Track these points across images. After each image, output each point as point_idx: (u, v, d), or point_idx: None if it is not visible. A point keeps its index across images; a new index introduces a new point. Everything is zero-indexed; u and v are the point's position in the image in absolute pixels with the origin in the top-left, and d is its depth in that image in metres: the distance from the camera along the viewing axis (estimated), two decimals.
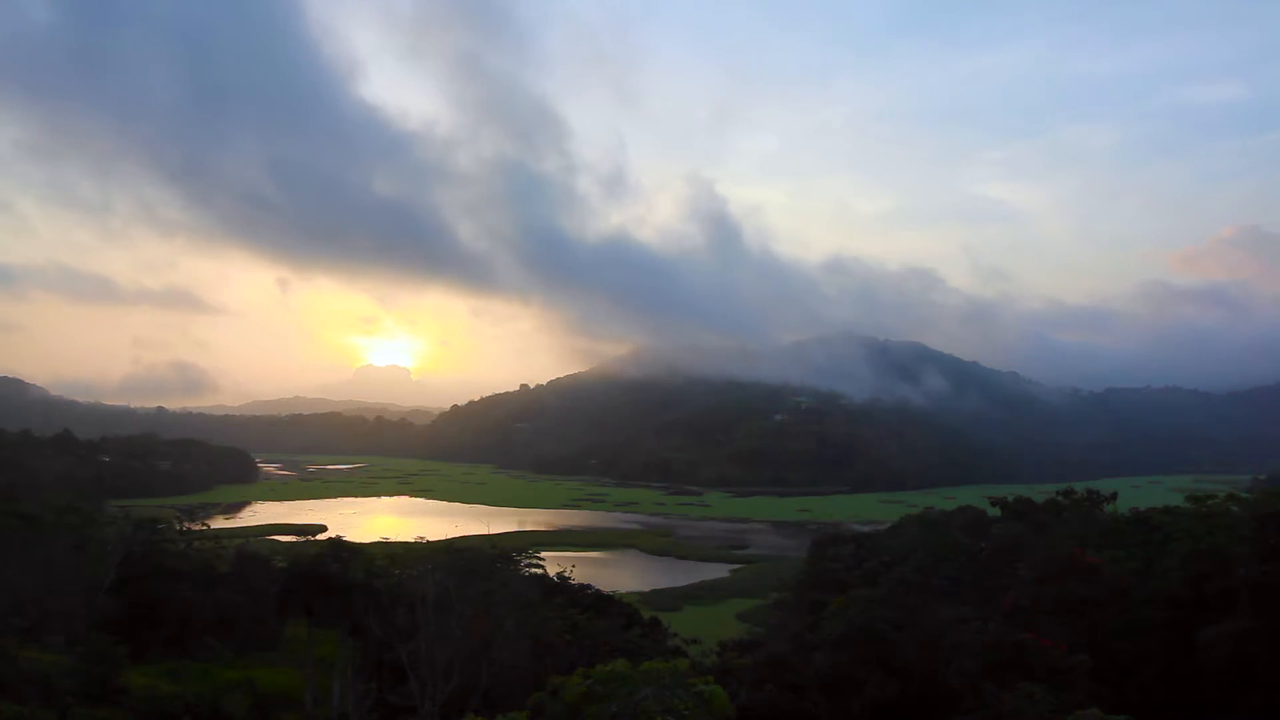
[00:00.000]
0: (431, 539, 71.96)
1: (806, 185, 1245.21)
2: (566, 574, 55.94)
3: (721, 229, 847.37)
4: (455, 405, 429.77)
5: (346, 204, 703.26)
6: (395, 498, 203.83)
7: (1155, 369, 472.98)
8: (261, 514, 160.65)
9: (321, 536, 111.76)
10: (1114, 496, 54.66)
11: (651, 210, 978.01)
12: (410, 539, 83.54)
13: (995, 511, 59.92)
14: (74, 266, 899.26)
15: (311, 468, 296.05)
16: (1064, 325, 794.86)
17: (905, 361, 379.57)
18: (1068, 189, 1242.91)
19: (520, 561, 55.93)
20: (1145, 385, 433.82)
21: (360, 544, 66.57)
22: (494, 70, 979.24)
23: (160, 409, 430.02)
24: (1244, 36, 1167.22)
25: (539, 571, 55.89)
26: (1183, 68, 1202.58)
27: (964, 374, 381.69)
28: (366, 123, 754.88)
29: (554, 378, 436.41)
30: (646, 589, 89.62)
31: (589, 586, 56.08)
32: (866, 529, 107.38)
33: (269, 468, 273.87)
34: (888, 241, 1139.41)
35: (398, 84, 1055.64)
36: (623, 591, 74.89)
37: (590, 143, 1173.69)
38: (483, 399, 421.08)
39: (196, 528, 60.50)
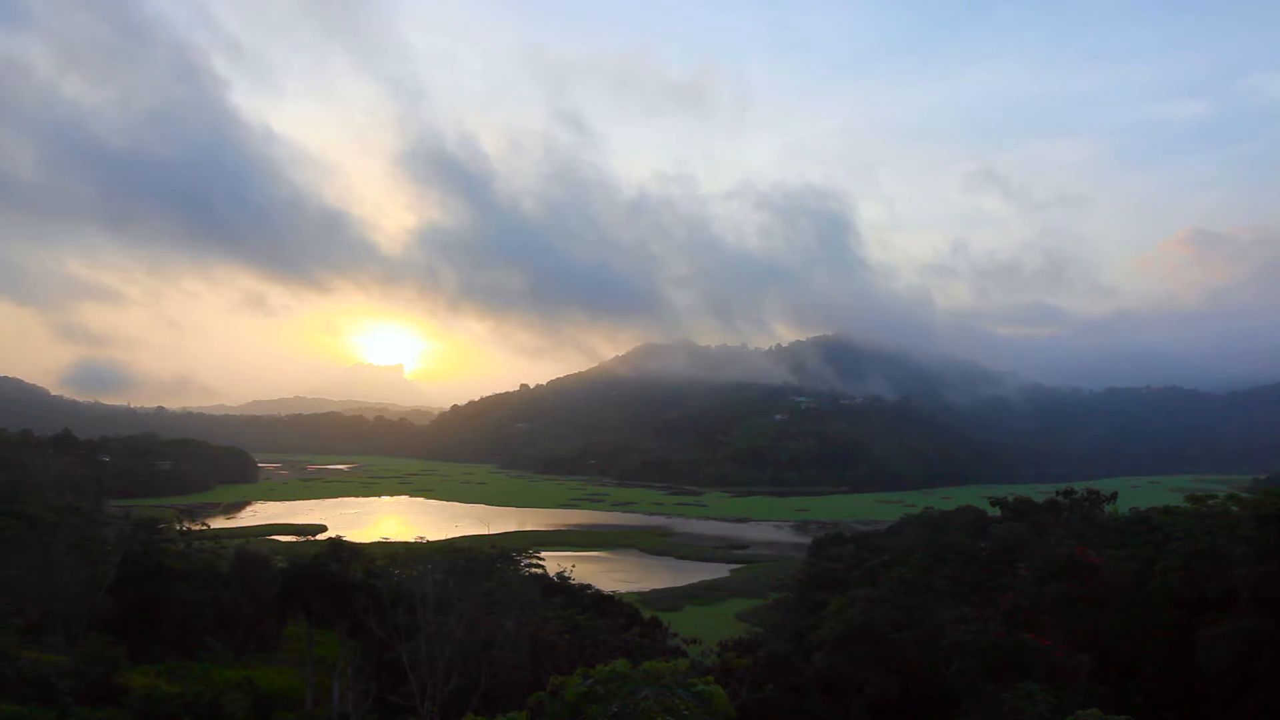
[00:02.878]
0: (431, 539, 72.09)
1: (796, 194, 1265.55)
2: (566, 574, 55.95)
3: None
4: (455, 405, 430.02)
5: None
6: (395, 498, 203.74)
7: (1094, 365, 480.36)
8: (261, 514, 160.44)
9: (321, 536, 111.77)
10: (1114, 496, 54.63)
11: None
12: (410, 539, 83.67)
13: (995, 511, 59.94)
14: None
15: (311, 468, 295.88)
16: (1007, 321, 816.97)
17: (905, 362, 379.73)
18: (1042, 199, 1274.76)
19: (520, 561, 56.02)
20: (1145, 385, 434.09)
21: (360, 544, 66.59)
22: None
23: (160, 409, 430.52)
24: (1204, 59, 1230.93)
25: (539, 571, 55.96)
26: (1148, 88, 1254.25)
27: (963, 374, 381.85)
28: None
29: (554, 377, 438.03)
30: (646, 589, 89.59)
31: (589, 586, 56.11)
32: (867, 529, 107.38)
33: (269, 467, 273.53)
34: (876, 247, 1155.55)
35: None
36: (623, 591, 74.93)
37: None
38: (482, 399, 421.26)
39: (196, 528, 60.54)
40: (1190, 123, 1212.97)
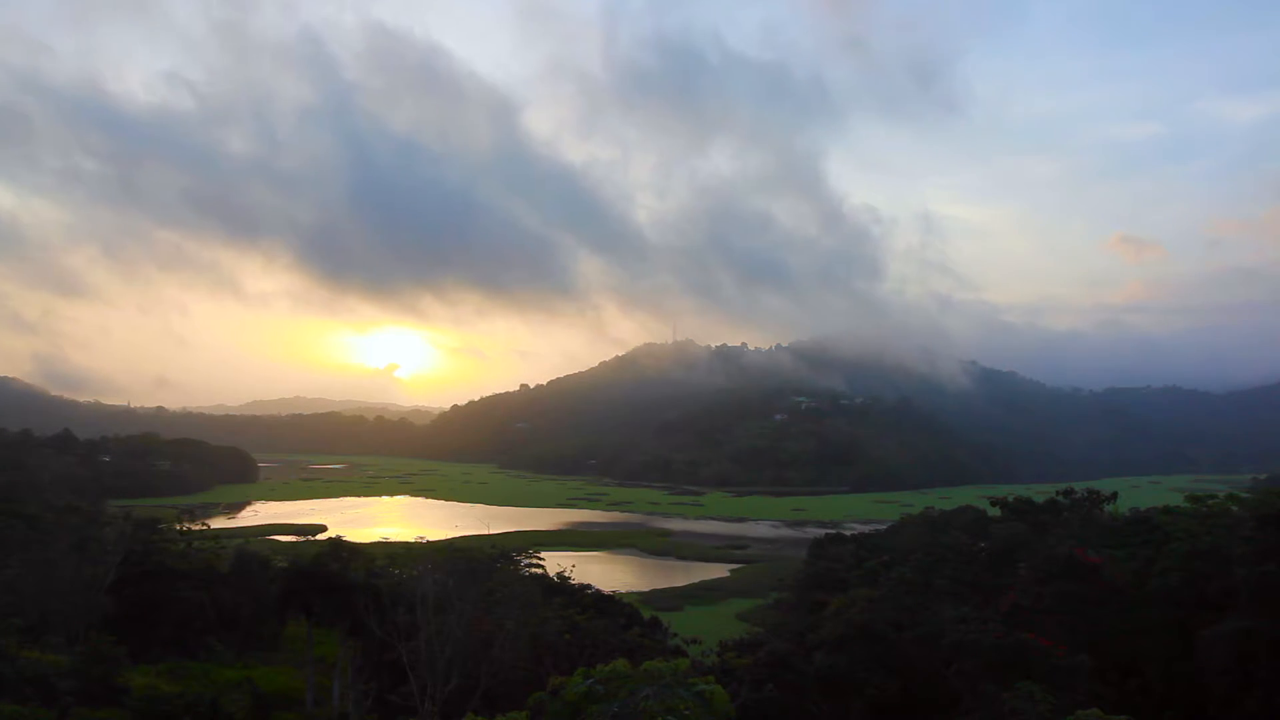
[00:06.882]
0: (431, 539, 72.25)
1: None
2: (566, 574, 55.92)
3: None
4: (455, 405, 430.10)
5: None
6: (395, 497, 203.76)
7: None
8: (261, 514, 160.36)
9: (321, 536, 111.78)
10: (1114, 496, 54.61)
11: None
12: (410, 539, 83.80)
13: (995, 511, 59.93)
14: None
15: (311, 467, 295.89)
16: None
17: (905, 362, 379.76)
18: (1017, 211, 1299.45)
19: (520, 561, 56.05)
20: (1145, 385, 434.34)
21: (360, 544, 66.73)
22: None
23: (160, 409, 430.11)
24: (1163, 83, 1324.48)
25: (539, 571, 55.94)
26: (1109, 109, 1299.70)
27: (964, 374, 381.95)
28: None
29: (554, 377, 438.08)
30: (646, 589, 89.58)
31: (589, 586, 56.03)
32: (867, 529, 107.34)
33: (269, 467, 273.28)
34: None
35: None
36: (623, 591, 74.86)
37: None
38: (482, 399, 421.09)
39: (196, 528, 60.57)
40: (1144, 143, 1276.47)
